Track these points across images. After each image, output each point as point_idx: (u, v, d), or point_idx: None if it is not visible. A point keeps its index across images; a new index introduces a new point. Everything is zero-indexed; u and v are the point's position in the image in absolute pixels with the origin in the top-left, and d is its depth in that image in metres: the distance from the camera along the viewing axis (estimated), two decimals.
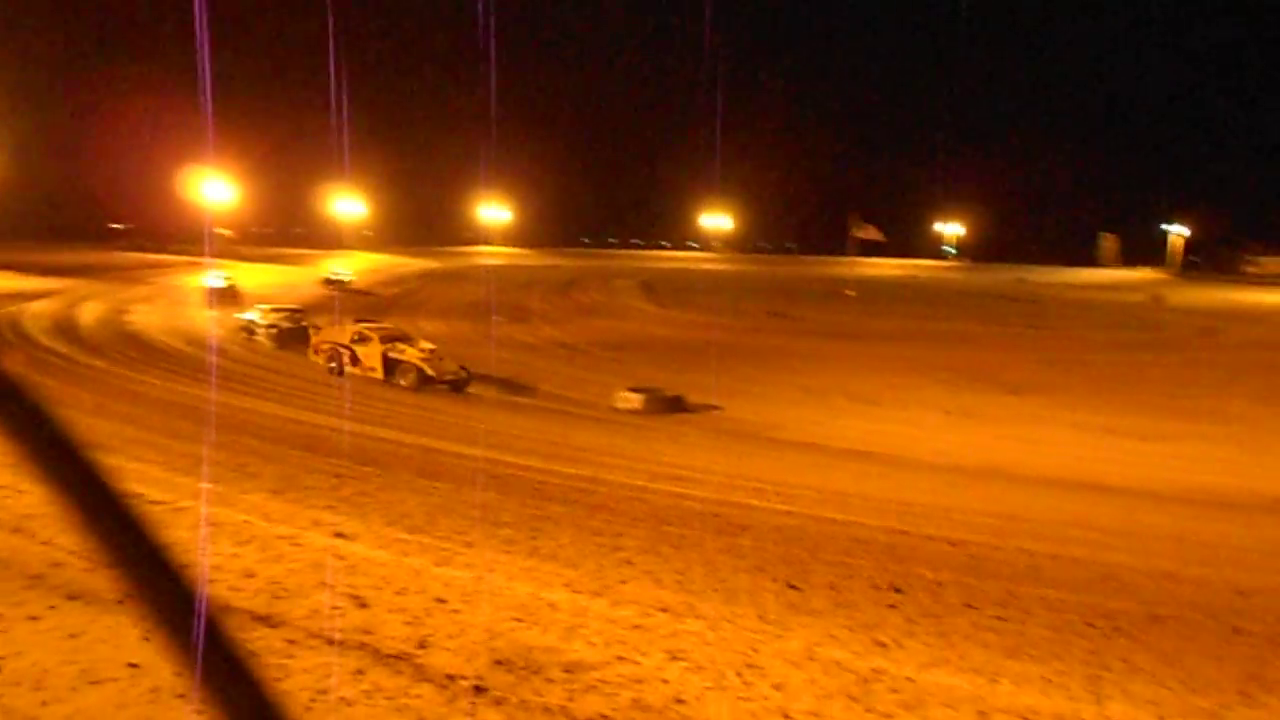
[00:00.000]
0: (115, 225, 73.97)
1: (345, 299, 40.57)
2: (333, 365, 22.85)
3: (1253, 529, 12.76)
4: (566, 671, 5.61)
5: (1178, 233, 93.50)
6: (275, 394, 19.22)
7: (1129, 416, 22.01)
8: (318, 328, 26.12)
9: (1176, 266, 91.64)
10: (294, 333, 27.57)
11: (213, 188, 56.64)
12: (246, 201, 64.24)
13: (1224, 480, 16.09)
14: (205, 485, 9.40)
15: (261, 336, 28.12)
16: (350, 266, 54.06)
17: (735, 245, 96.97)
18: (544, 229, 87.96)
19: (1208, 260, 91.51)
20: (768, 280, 65.44)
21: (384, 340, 22.67)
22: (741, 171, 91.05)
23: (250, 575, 6.85)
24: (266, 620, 5.98)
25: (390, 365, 22.06)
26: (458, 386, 21.94)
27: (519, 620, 6.33)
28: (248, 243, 67.42)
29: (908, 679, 5.94)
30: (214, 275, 41.39)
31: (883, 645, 6.57)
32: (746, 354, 29.95)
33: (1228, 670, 6.63)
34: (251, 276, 46.69)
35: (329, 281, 48.21)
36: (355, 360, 22.61)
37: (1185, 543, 11.50)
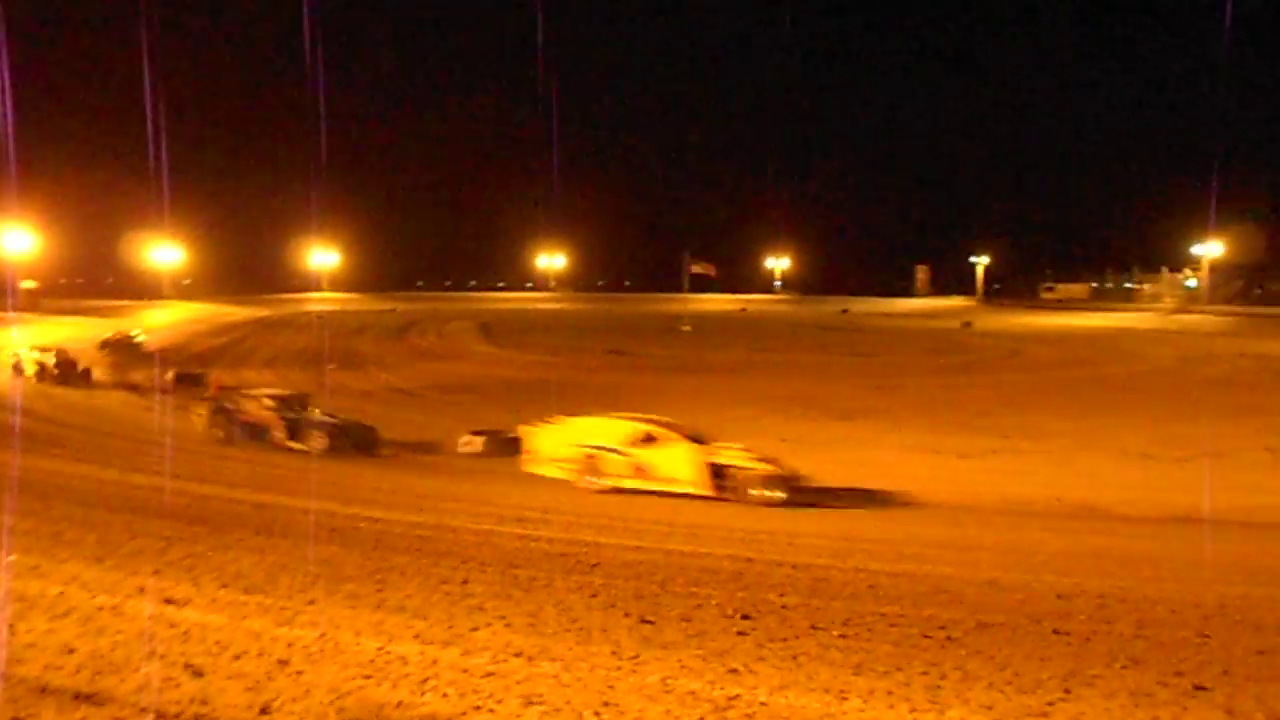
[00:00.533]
0: None
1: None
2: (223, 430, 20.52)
3: (1065, 535, 13.73)
4: None
5: (983, 263, 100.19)
6: (90, 454, 17.96)
7: (948, 435, 23.31)
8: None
9: (982, 294, 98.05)
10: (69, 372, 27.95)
11: (13, 237, 52.69)
12: (53, 251, 60.11)
13: (1036, 491, 17.25)
14: (11, 558, 8.66)
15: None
16: (161, 319, 51.17)
17: (572, 284, 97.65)
18: (376, 273, 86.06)
19: (1010, 288, 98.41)
20: (605, 318, 66.09)
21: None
22: (576, 211, 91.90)
23: (70, 651, 6.34)
24: (90, 699, 5.55)
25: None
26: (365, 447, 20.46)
27: (368, 677, 6.11)
28: (54, 295, 63.00)
29: (761, 703, 6.05)
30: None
31: (735, 672, 6.68)
32: (587, 392, 30.08)
33: (1052, 669, 7.08)
34: (43, 333, 43.44)
35: (110, 344, 40.29)
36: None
37: (1007, 552, 12.25)
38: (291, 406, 20.83)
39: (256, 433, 20.04)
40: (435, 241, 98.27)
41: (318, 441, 19.62)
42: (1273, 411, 27.49)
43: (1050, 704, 6.36)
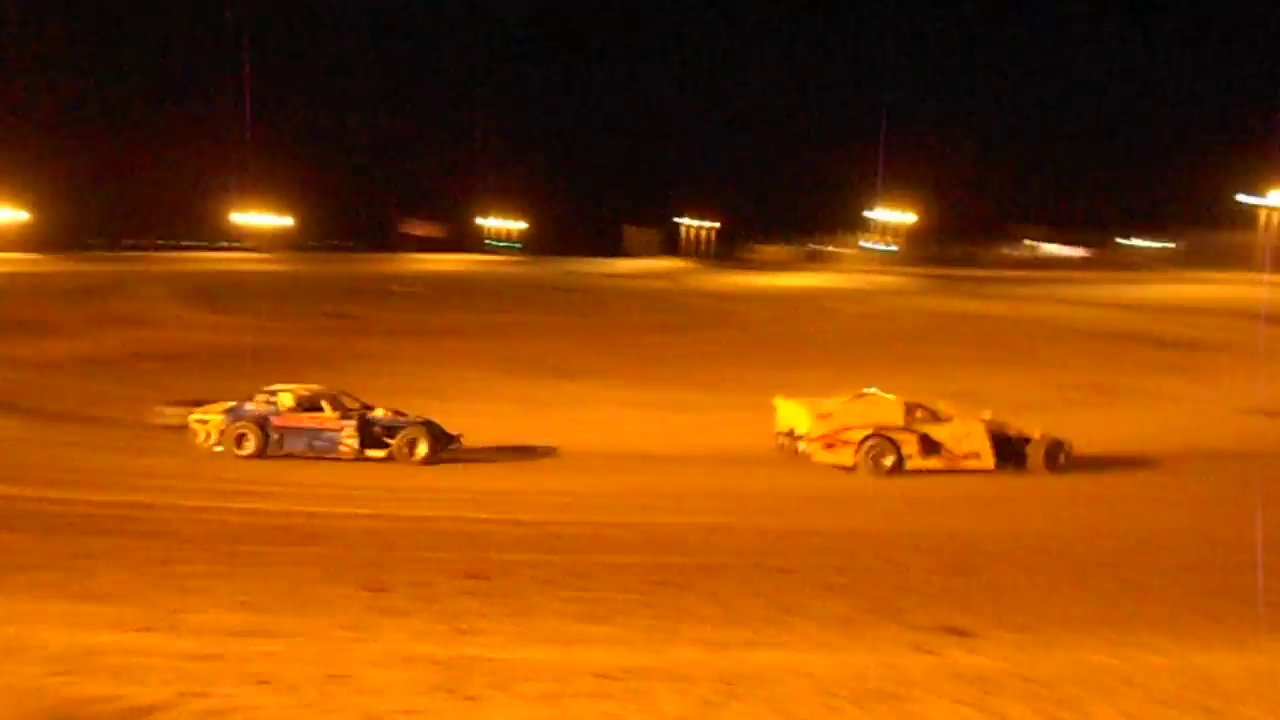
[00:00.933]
0: None
1: None
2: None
3: (774, 480, 14.77)
4: None
5: (695, 224, 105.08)
6: None
7: (665, 391, 24.35)
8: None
9: (694, 255, 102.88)
10: None
11: None
12: None
13: (746, 440, 18.39)
14: None
15: None
16: None
17: (282, 243, 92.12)
18: (46, 231, 76.62)
19: (721, 250, 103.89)
20: (321, 279, 63.02)
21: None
22: (285, 164, 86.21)
23: None
24: None
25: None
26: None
27: (67, 672, 5.57)
28: None
29: (492, 660, 6.12)
30: None
31: (466, 632, 6.70)
32: (306, 357, 28.66)
33: (765, 601, 7.66)
34: None
35: None
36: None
37: (721, 497, 13.03)
38: (339, 405, 16.11)
39: (312, 442, 15.60)
40: (118, 196, 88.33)
41: (418, 447, 15.34)
42: (942, 360, 30.87)
43: (761, 632, 6.90)
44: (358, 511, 11.29)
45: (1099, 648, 6.64)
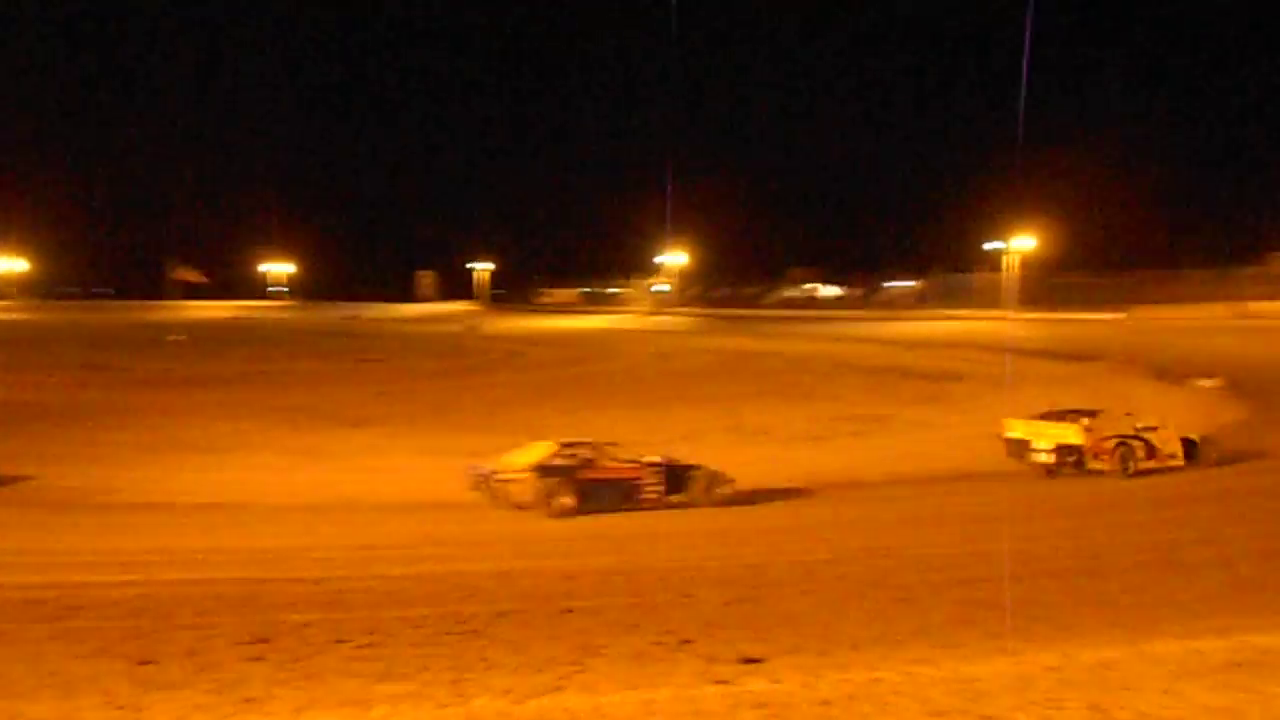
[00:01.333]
0: None
1: None
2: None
3: (569, 522, 14.77)
4: None
5: (484, 268, 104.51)
6: None
7: (458, 436, 23.94)
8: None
9: (485, 299, 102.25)
10: None
11: None
12: None
13: None
14: None
15: None
16: None
17: (32, 290, 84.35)
18: None
19: (510, 293, 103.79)
20: (78, 329, 58.23)
21: None
22: (36, 209, 79.18)
23: None
24: None
25: None
26: None
27: None
28: None
29: None
30: None
31: (252, 700, 6.30)
32: (63, 413, 26.32)
33: (564, 645, 7.63)
34: None
35: None
36: None
37: (517, 541, 12.93)
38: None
39: (620, 492, 15.45)
40: None
41: (709, 493, 15.68)
42: (728, 398, 32.03)
43: (565, 677, 6.86)
44: (123, 579, 10.40)
45: (882, 665, 7.04)
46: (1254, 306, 53.24)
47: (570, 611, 8.77)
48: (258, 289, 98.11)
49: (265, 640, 7.75)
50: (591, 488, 15.17)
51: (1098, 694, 6.42)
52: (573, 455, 15.47)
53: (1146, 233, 71.69)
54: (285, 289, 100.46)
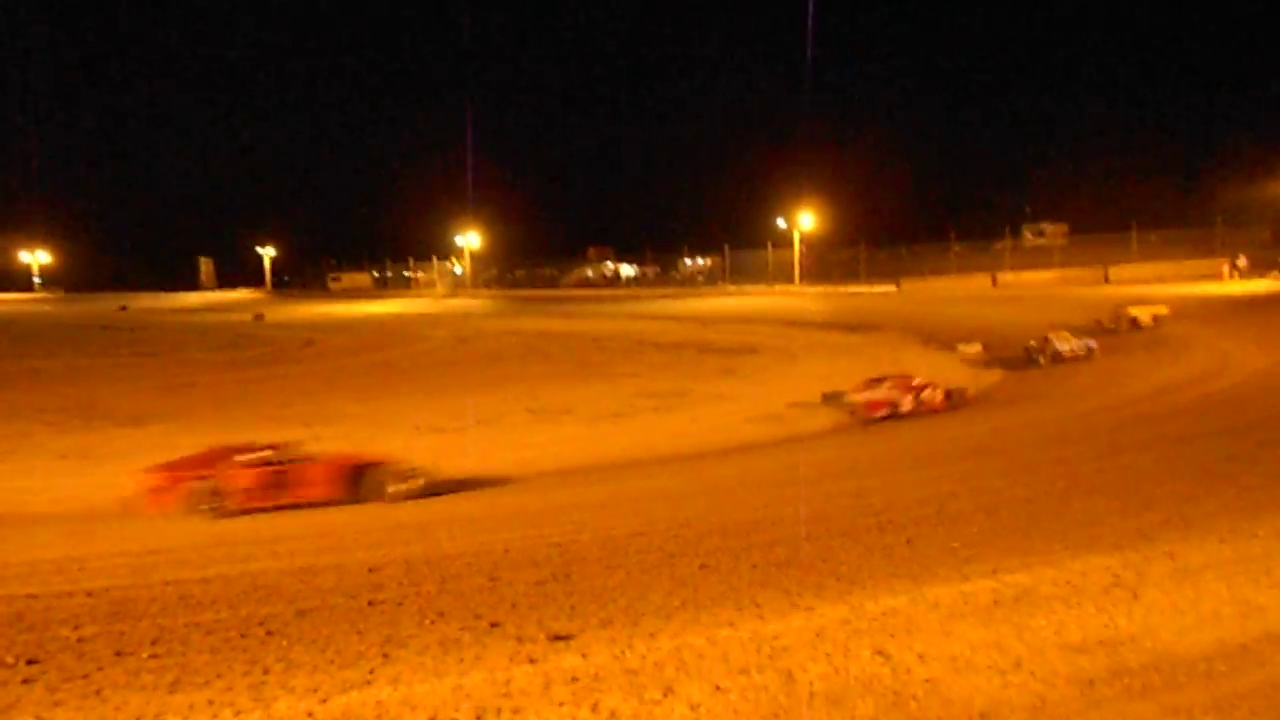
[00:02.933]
0: None
1: None
2: None
3: (369, 513, 14.40)
4: None
5: (269, 254, 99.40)
6: None
7: (248, 430, 22.79)
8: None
9: (271, 285, 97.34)
10: None
11: None
12: None
13: None
14: None
15: None
16: None
17: None
18: None
19: (298, 279, 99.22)
20: None
21: None
22: None
23: None
24: None
25: None
26: None
27: None
28: None
29: None
30: None
31: None
32: None
33: (369, 639, 7.45)
34: None
35: None
36: None
37: (317, 536, 12.44)
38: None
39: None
40: None
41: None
42: (530, 379, 32.01)
43: (372, 671, 6.72)
44: None
45: (688, 630, 7.30)
46: (1006, 277, 58.20)
47: (375, 604, 8.57)
48: (14, 280, 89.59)
49: (36, 661, 7.17)
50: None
51: (883, 639, 6.92)
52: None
53: (915, 210, 77.05)
54: (42, 280, 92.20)
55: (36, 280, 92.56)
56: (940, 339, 37.83)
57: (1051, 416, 22.21)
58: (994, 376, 30.01)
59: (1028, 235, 71.30)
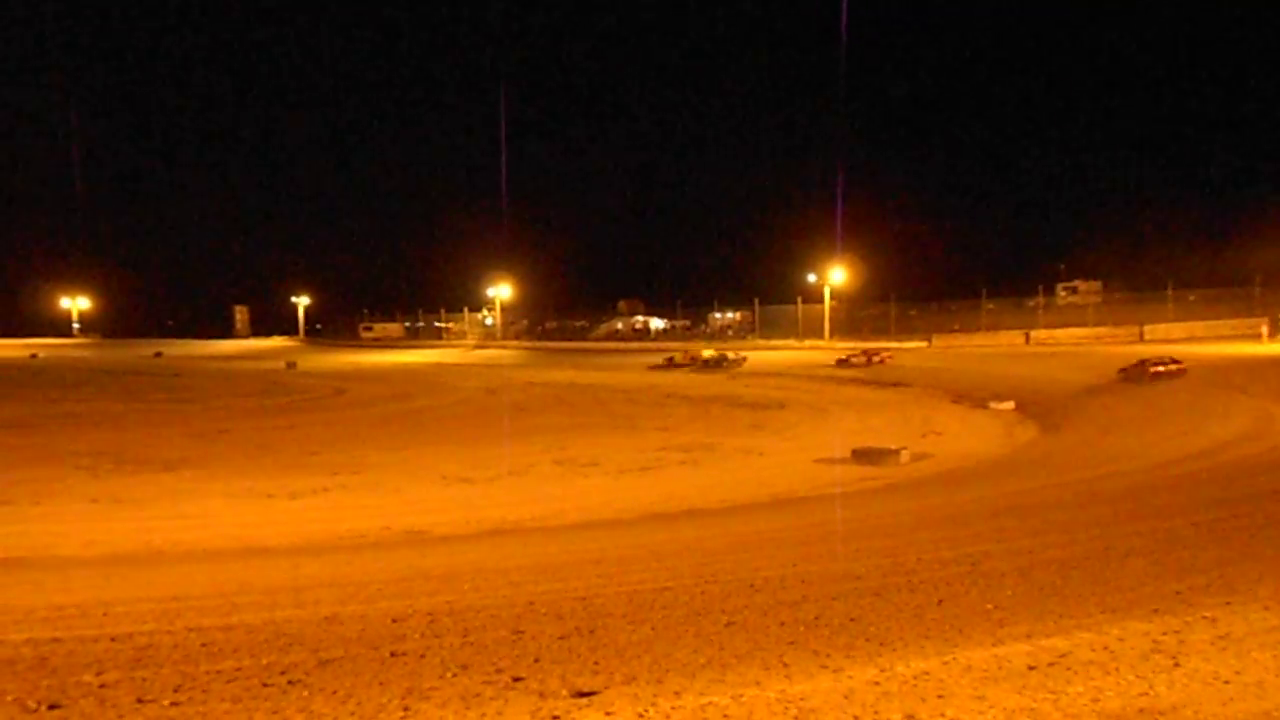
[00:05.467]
0: None
1: None
2: None
3: (396, 562, 14.39)
4: None
5: (303, 303, 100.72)
6: None
7: (277, 478, 22.95)
8: None
9: (305, 334, 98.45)
10: None
11: None
12: None
13: (367, 523, 17.81)
14: None
15: None
16: None
17: None
18: None
19: (331, 327, 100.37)
20: None
21: None
22: None
23: None
24: None
25: None
26: None
27: None
28: None
29: None
30: None
31: None
32: None
33: (391, 691, 7.36)
34: None
35: None
36: None
37: (343, 586, 12.42)
38: None
39: None
40: None
41: None
42: (557, 430, 32.02)
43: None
44: None
45: (713, 689, 7.15)
46: (1039, 334, 57.75)
47: (397, 655, 8.49)
48: (55, 325, 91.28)
49: (58, 706, 7.14)
50: None
51: (914, 703, 6.73)
52: None
53: (947, 266, 76.93)
54: (81, 325, 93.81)
55: (75, 325, 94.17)
56: (973, 396, 37.48)
57: (1086, 476, 21.85)
58: (1028, 434, 29.62)
59: (1061, 293, 70.91)
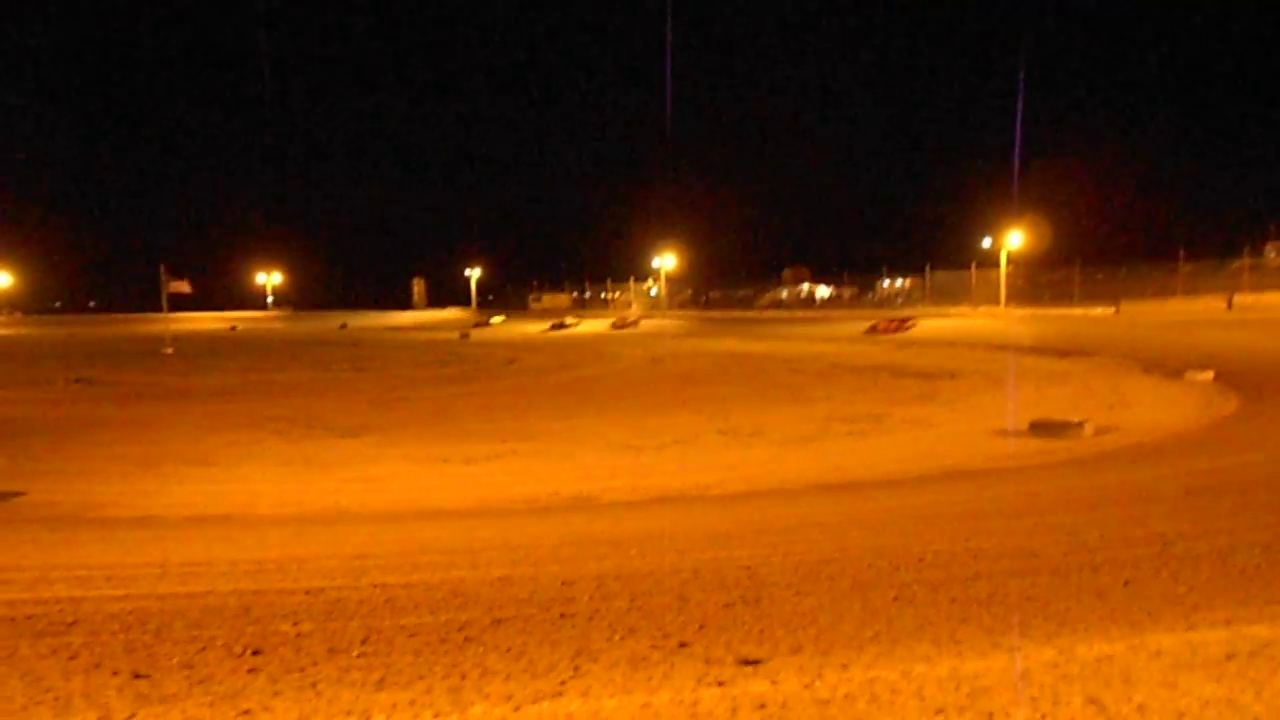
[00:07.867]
0: None
1: None
2: None
3: (565, 526, 14.76)
4: None
5: (475, 274, 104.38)
6: None
7: (453, 444, 23.93)
8: None
9: (477, 305, 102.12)
10: None
11: None
12: None
13: (537, 488, 18.34)
14: None
15: None
16: None
17: (17, 305, 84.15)
18: None
19: (501, 299, 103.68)
20: (68, 343, 57.94)
21: None
22: (21, 221, 79.02)
23: None
24: None
25: None
26: None
27: None
28: None
29: None
30: None
31: (249, 712, 6.25)
32: (50, 428, 26.19)
33: (561, 651, 7.58)
34: None
35: None
36: None
37: (515, 549, 12.86)
38: None
39: None
40: None
41: None
42: (721, 400, 32.03)
43: (563, 683, 6.83)
44: (117, 593, 10.33)
45: (880, 663, 7.02)
46: (1243, 299, 53.45)
47: (567, 616, 8.73)
48: (251, 299, 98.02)
49: (260, 652, 7.70)
50: None
51: (1096, 688, 6.41)
52: None
53: (1138, 226, 72.07)
54: (274, 299, 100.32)
55: (269, 299, 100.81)
56: (1166, 366, 35.14)
57: None
58: (1229, 407, 27.56)
59: (1271, 253, 65.28)
